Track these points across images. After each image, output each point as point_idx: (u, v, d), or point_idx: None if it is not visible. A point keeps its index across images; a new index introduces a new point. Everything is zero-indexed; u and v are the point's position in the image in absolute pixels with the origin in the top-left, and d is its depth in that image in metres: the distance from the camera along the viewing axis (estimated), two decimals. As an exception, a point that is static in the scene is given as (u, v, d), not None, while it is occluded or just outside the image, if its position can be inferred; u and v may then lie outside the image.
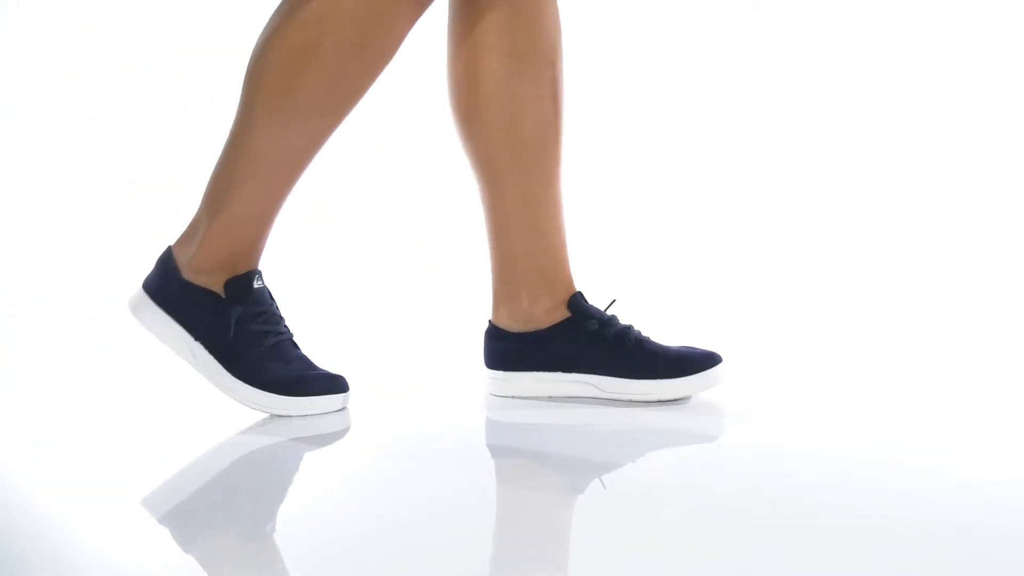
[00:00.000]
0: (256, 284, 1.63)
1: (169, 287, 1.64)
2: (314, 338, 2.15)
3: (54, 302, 2.49)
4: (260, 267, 1.66)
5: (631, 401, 1.67)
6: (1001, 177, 2.86)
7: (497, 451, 1.55)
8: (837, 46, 2.96)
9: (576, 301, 1.69)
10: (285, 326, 1.66)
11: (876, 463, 1.41)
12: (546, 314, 1.70)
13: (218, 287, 1.63)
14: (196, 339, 1.63)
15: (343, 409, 1.63)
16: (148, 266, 1.68)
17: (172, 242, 1.67)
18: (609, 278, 2.03)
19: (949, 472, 1.38)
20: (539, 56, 1.65)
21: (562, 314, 1.70)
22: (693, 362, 1.66)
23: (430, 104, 2.49)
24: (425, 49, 1.81)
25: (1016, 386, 1.81)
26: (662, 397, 1.66)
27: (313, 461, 1.47)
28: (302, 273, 2.70)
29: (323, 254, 2.81)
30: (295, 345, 1.66)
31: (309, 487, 1.36)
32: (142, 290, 1.66)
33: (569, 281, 1.71)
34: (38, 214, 2.95)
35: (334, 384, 1.62)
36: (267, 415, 1.61)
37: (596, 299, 1.74)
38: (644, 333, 1.71)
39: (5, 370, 1.99)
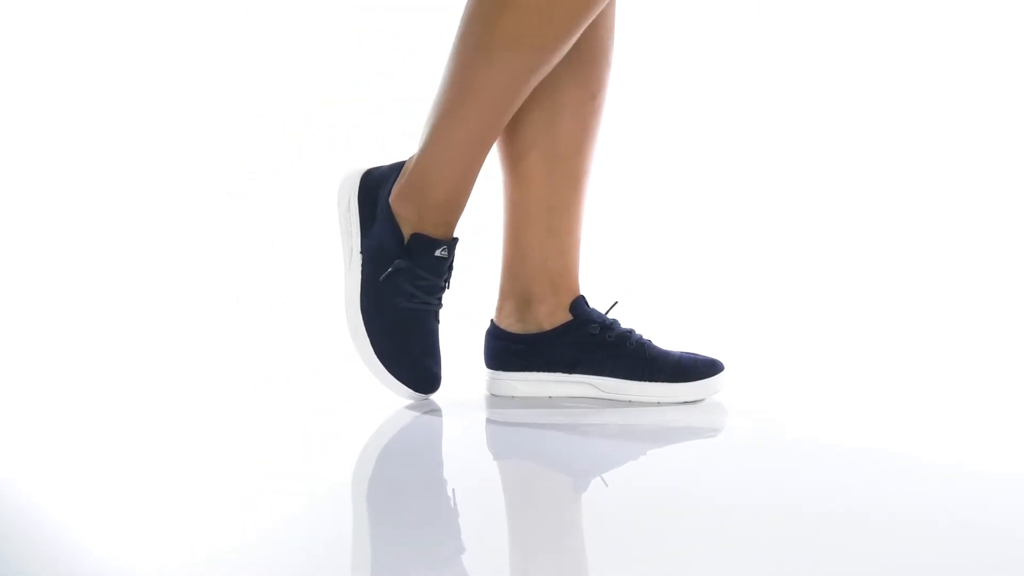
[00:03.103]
0: (439, 253, 1.64)
1: (379, 194, 1.68)
2: (314, 335, 2.15)
3: (54, 302, 2.49)
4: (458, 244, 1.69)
5: (630, 401, 1.67)
6: (1001, 181, 2.86)
7: (497, 450, 1.55)
8: (841, 50, 2.96)
9: (578, 305, 1.70)
10: (438, 300, 1.66)
11: (877, 464, 1.41)
12: (548, 316, 1.70)
13: (406, 230, 1.65)
14: (361, 251, 1.67)
15: (414, 402, 1.67)
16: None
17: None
18: (613, 282, 2.03)
19: (951, 472, 1.38)
20: (587, 60, 1.65)
21: (564, 317, 1.70)
22: (696, 368, 1.66)
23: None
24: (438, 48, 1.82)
25: (1016, 386, 1.81)
26: (661, 400, 1.66)
27: (313, 460, 1.47)
28: (303, 270, 2.70)
29: (325, 250, 2.81)
30: (436, 320, 1.67)
31: (309, 487, 1.36)
32: (362, 174, 1.71)
33: (575, 286, 1.71)
34: (38, 214, 2.95)
35: (416, 379, 1.64)
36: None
37: (600, 302, 1.74)
38: (646, 337, 1.71)
39: (5, 370, 1.99)
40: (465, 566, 1.13)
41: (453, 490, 1.36)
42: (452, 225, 1.66)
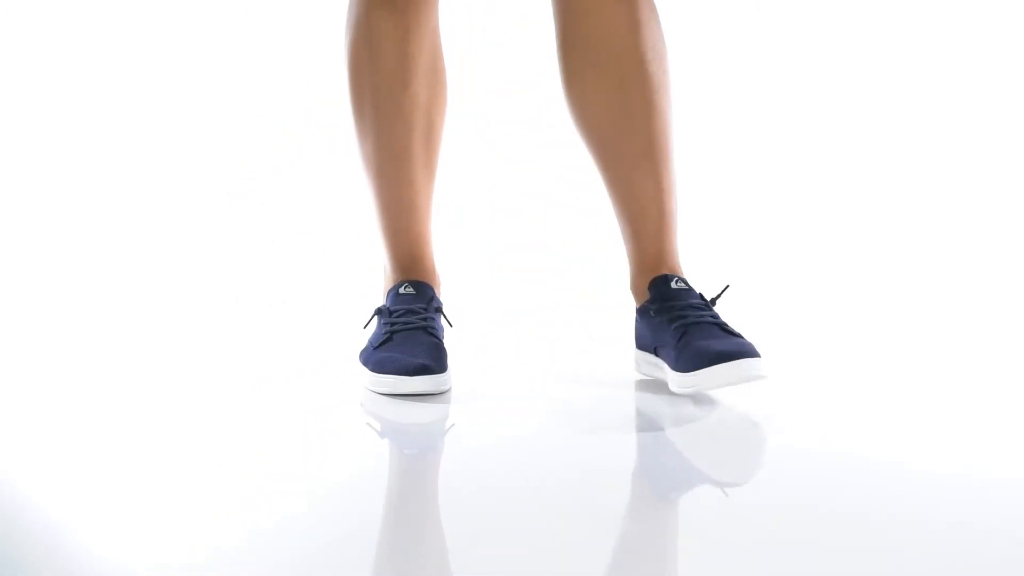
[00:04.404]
0: (403, 291, 1.77)
1: None
2: (314, 335, 2.15)
3: (54, 302, 2.49)
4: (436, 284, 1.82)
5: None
6: (1002, 178, 2.86)
7: (498, 450, 1.54)
8: (841, 50, 2.96)
9: (653, 283, 1.70)
10: (419, 319, 1.74)
11: (876, 464, 1.41)
12: (639, 293, 1.73)
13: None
14: None
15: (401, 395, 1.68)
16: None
17: None
18: (615, 282, 2.03)
19: (950, 473, 1.38)
20: (601, 59, 1.68)
21: (644, 295, 1.72)
22: (703, 358, 1.60)
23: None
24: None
25: (1015, 387, 1.80)
26: (675, 390, 1.63)
27: (313, 460, 1.47)
28: (303, 270, 2.70)
29: (324, 250, 2.81)
30: (426, 332, 1.73)
31: (309, 487, 1.36)
32: None
33: (655, 264, 1.72)
34: (38, 214, 2.95)
35: (405, 369, 1.67)
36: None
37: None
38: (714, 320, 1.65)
39: (5, 370, 1.99)
40: (465, 566, 1.13)
41: (452, 490, 1.36)
42: (414, 274, 1.79)
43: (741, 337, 1.63)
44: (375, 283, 1.89)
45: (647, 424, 1.58)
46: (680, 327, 1.64)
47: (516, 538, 1.18)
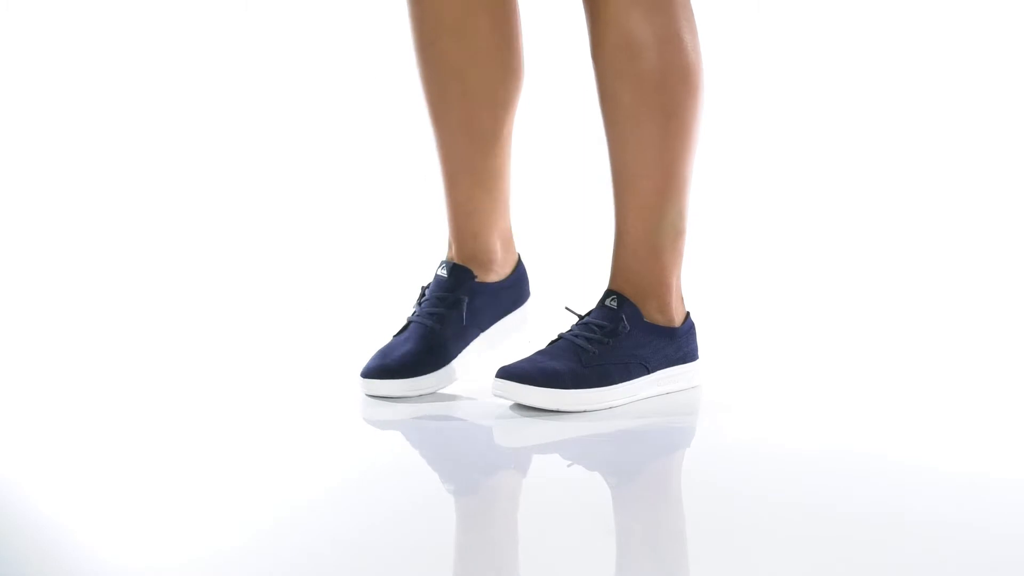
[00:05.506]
0: (438, 271, 1.74)
1: None
2: (314, 335, 2.15)
3: (54, 302, 2.49)
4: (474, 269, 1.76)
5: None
6: (1000, 179, 2.86)
7: (497, 450, 1.54)
8: (842, 50, 2.96)
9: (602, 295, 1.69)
10: (433, 309, 1.71)
11: (875, 464, 1.41)
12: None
13: None
14: None
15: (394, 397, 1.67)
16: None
17: None
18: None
19: (950, 473, 1.38)
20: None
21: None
22: (505, 369, 1.62)
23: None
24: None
25: (1011, 387, 1.80)
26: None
27: (313, 460, 1.47)
28: (303, 270, 2.70)
29: (325, 250, 2.81)
30: (425, 327, 1.70)
31: (308, 486, 1.36)
32: None
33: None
34: (38, 214, 2.95)
35: (381, 370, 1.67)
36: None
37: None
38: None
39: (5, 370, 1.99)
40: (465, 566, 1.13)
41: (452, 491, 1.36)
42: (463, 252, 1.75)
43: (589, 368, 1.61)
44: (375, 283, 1.88)
45: (647, 424, 1.58)
46: (556, 338, 1.65)
47: (517, 538, 1.18)
